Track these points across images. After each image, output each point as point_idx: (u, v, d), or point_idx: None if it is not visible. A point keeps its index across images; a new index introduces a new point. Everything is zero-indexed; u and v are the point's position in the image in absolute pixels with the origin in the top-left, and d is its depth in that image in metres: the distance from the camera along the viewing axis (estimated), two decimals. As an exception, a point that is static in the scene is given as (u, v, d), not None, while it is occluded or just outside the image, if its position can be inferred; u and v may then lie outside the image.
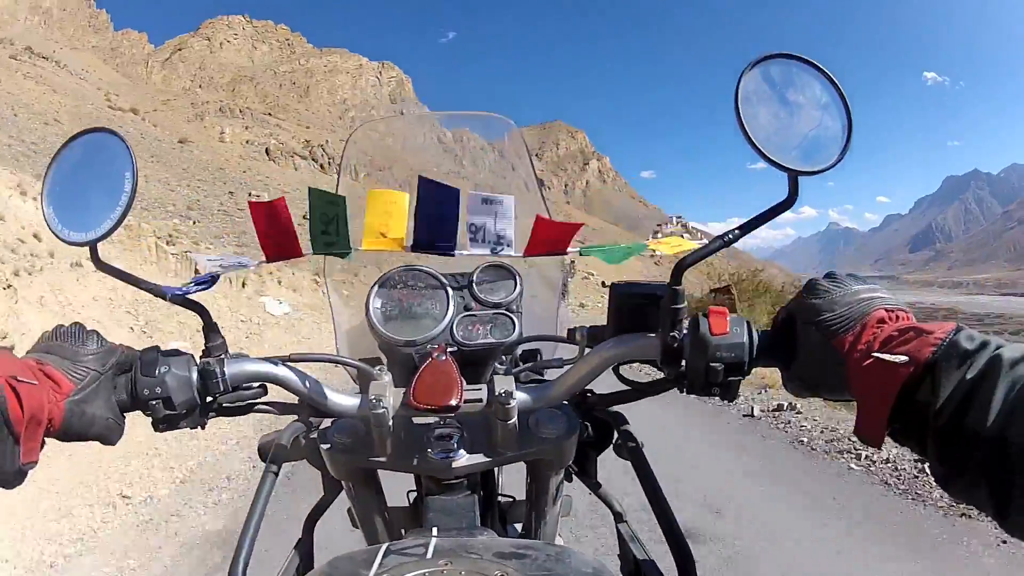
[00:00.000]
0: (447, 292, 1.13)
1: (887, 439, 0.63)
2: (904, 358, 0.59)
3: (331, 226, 0.83)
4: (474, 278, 1.15)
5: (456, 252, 0.86)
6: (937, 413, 0.56)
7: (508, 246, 0.88)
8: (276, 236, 0.84)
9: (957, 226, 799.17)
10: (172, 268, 13.95)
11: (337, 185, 1.23)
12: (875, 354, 0.61)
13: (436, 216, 0.84)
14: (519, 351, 1.14)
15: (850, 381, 0.64)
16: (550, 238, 0.86)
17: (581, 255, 0.89)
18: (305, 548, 0.97)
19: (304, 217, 0.84)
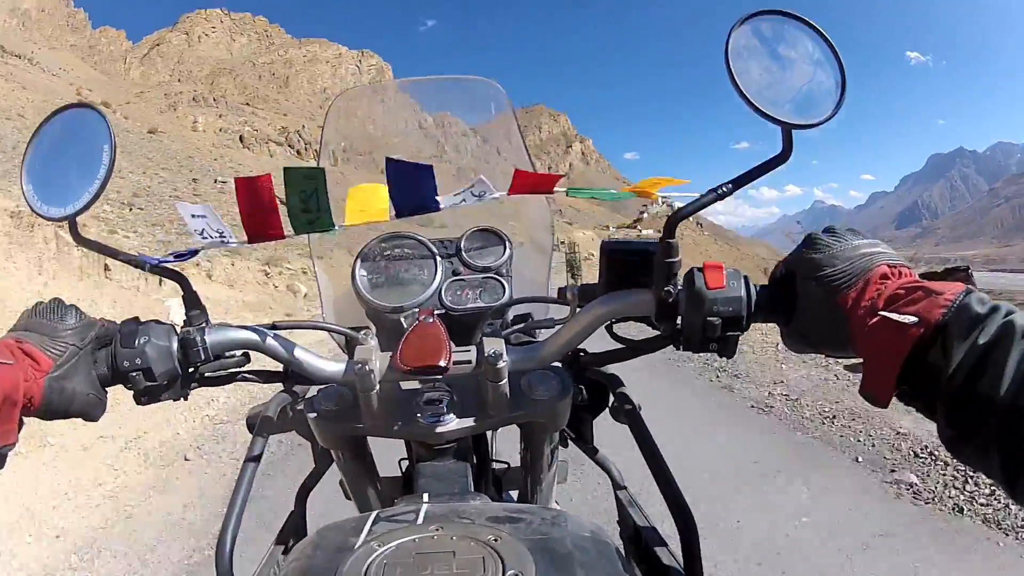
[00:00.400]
0: (435, 257, 1.12)
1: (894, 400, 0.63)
2: (914, 319, 0.57)
3: (311, 202, 0.79)
4: (462, 243, 1.15)
5: (441, 207, 0.82)
6: (949, 378, 0.55)
7: (492, 192, 0.83)
8: (259, 215, 0.80)
9: (943, 203, 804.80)
10: (76, 264, 12.00)
11: (318, 160, 1.24)
12: (882, 312, 0.60)
13: (413, 187, 0.81)
14: (510, 315, 1.13)
15: (855, 339, 0.63)
16: (531, 182, 0.82)
17: (568, 195, 0.87)
18: (298, 520, 0.97)
19: (282, 202, 0.80)
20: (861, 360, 0.63)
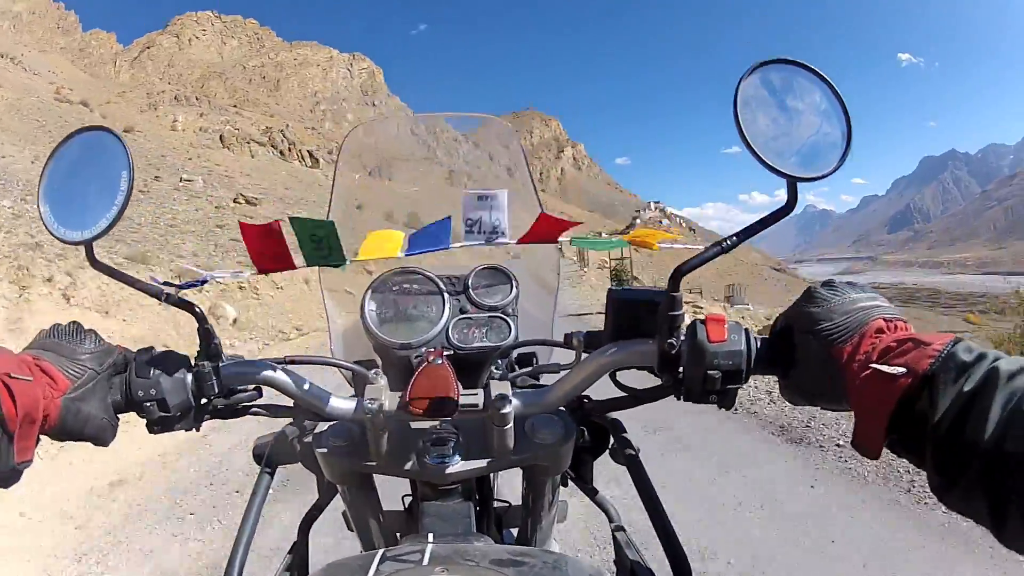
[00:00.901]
0: (443, 294, 1.15)
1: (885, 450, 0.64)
2: (902, 370, 0.60)
3: (322, 244, 0.82)
4: (470, 281, 1.18)
5: (451, 245, 0.87)
6: (935, 425, 0.56)
7: (502, 235, 0.89)
8: (268, 253, 0.82)
9: (935, 206, 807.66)
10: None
11: (332, 187, 1.27)
12: (873, 365, 0.62)
13: (429, 235, 0.88)
14: (515, 355, 1.14)
15: (848, 392, 0.64)
16: (544, 231, 0.87)
17: (572, 244, 0.90)
18: (300, 552, 0.98)
19: (293, 248, 0.84)
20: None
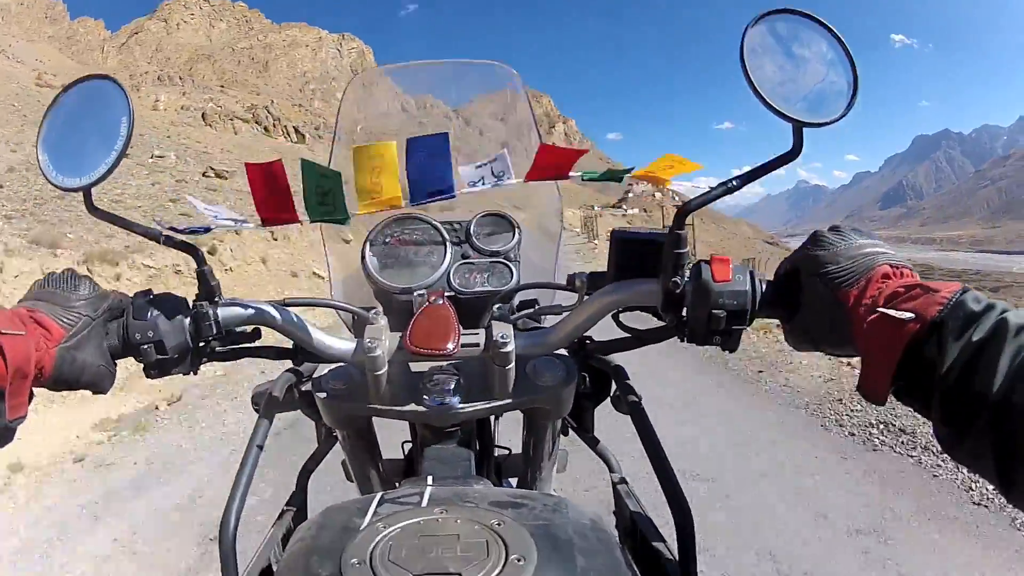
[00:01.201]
0: (444, 240, 1.14)
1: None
2: (910, 315, 0.59)
3: (327, 197, 0.81)
4: (471, 227, 1.16)
5: (457, 193, 0.85)
6: (943, 374, 0.56)
7: (508, 176, 0.87)
8: (272, 199, 0.82)
9: (928, 184, 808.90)
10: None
11: (332, 146, 1.24)
12: (880, 309, 0.61)
13: (429, 166, 0.83)
14: (517, 300, 1.13)
15: (855, 336, 0.64)
16: (552, 163, 0.85)
17: (584, 180, 0.89)
18: (299, 500, 0.97)
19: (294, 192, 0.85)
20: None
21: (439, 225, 1.15)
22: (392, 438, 1.12)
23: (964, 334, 0.55)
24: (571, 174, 0.86)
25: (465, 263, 1.12)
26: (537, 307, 1.04)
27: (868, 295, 0.64)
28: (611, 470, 1.00)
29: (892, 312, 0.60)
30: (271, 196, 0.82)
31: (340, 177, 0.80)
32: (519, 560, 0.57)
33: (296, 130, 71.99)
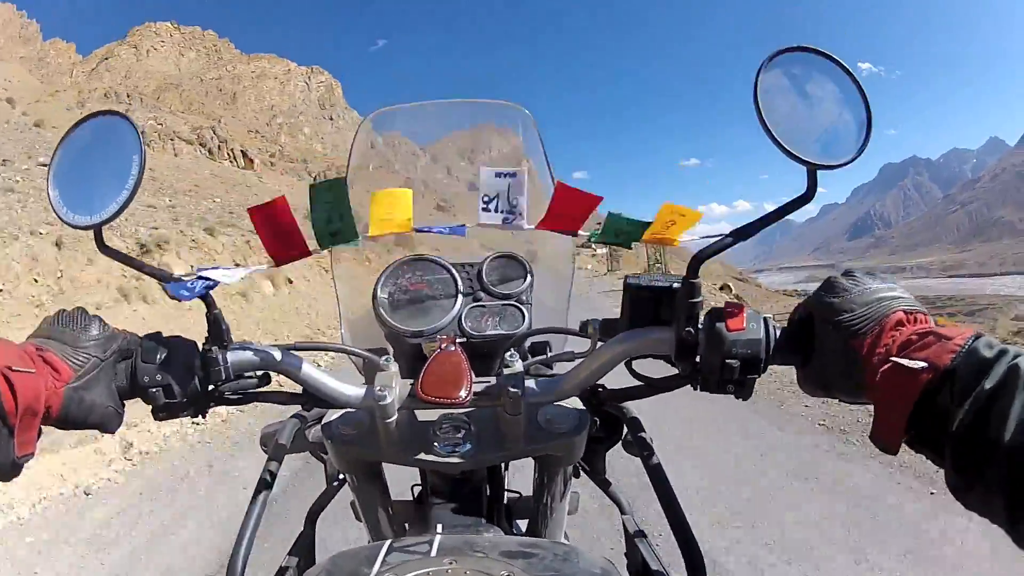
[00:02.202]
0: (456, 282, 1.13)
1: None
2: (923, 364, 0.59)
3: (334, 214, 0.83)
4: (483, 269, 1.16)
5: (466, 226, 0.88)
6: (955, 423, 0.56)
7: (521, 217, 0.90)
8: (280, 237, 0.83)
9: (896, 212, 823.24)
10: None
11: (347, 173, 1.23)
12: (893, 359, 0.62)
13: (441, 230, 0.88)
14: (528, 344, 1.15)
15: (868, 385, 0.64)
16: (566, 212, 0.86)
17: (592, 241, 0.90)
18: (307, 542, 0.98)
19: (306, 216, 0.85)
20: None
21: (451, 267, 1.14)
22: (403, 480, 1.11)
23: (976, 382, 0.56)
24: (581, 232, 0.86)
25: (477, 306, 1.11)
26: (550, 355, 1.05)
27: (882, 343, 0.64)
28: (623, 512, 1.00)
29: (905, 361, 0.60)
30: (278, 234, 0.82)
31: (344, 183, 0.81)
32: None
33: (244, 154, 70.63)
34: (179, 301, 0.80)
